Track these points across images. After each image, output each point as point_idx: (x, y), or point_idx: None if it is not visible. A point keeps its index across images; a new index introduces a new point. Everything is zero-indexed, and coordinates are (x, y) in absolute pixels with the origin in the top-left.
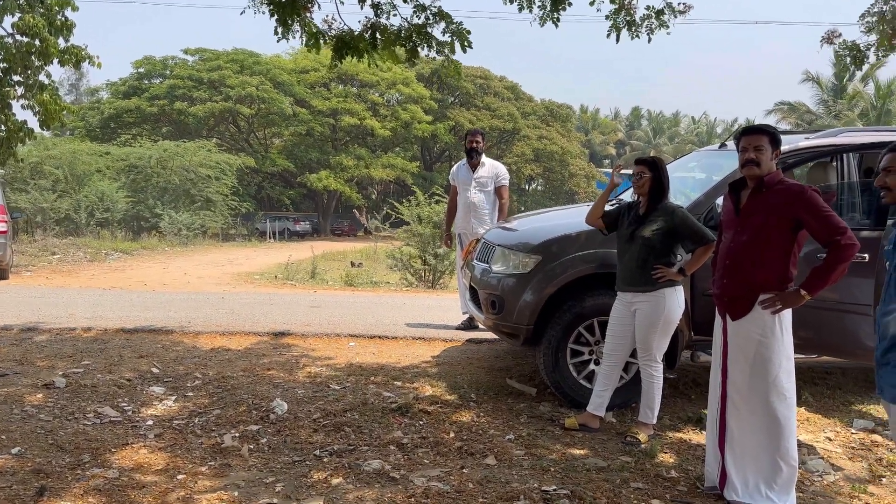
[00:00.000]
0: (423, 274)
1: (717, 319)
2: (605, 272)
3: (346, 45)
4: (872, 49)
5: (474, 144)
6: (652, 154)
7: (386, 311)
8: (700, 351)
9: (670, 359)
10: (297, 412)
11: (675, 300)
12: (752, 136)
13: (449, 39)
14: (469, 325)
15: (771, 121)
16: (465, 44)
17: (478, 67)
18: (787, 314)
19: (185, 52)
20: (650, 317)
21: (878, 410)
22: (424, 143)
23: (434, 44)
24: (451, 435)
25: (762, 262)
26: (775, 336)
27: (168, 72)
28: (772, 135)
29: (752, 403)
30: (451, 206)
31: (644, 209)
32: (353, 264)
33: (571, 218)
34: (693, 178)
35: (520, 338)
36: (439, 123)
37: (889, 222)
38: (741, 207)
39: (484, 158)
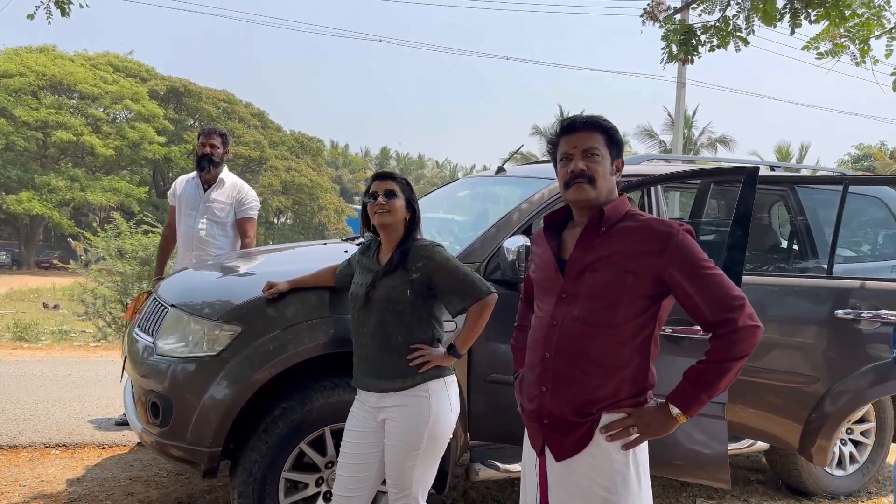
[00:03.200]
0: (125, 323)
1: (528, 453)
2: (346, 352)
3: None
4: (708, 34)
5: (209, 150)
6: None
7: (29, 390)
8: (480, 462)
9: (439, 481)
10: None
11: (446, 400)
12: (579, 135)
13: None
14: None
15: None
16: None
17: (221, 91)
18: (645, 449)
19: None
20: (408, 431)
21: None
22: (157, 166)
23: None
24: None
25: (607, 357)
26: (629, 488)
27: None
28: (608, 133)
29: None
30: (167, 239)
31: (387, 253)
32: (46, 306)
33: (304, 261)
34: (463, 214)
35: (200, 465)
36: (174, 146)
37: None
38: (567, 259)
39: (226, 174)
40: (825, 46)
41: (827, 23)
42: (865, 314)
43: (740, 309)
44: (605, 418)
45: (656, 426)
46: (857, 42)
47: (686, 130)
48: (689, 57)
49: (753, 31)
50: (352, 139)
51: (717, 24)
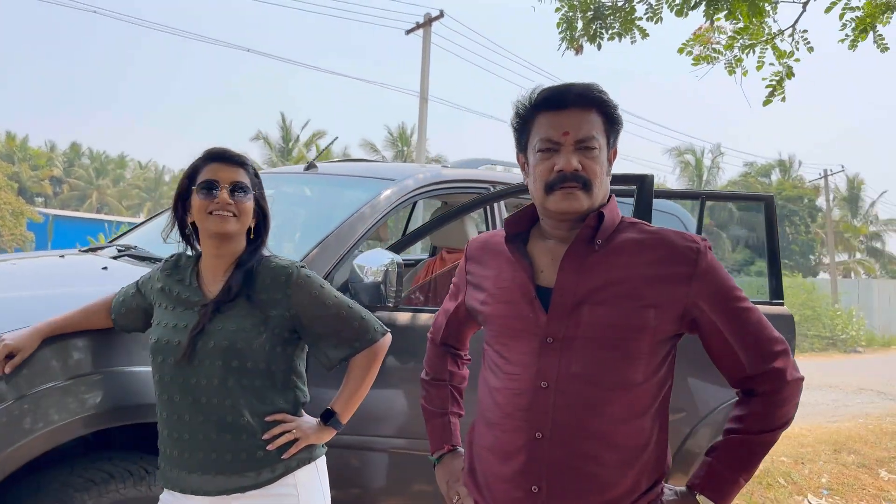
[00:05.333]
0: None
1: None
2: (138, 424)
3: None
4: (612, 17)
5: None
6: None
7: None
8: None
9: None
10: None
11: (319, 493)
12: (571, 115)
13: None
14: None
15: None
16: None
17: None
18: None
19: None
20: None
21: None
22: None
23: None
24: None
25: (625, 435)
26: None
27: None
28: (609, 112)
29: None
30: None
31: (216, 277)
32: None
33: (35, 286)
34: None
35: None
36: None
37: None
38: (555, 287)
39: None
40: (697, 50)
41: (733, 21)
42: None
43: (784, 356)
44: None
45: None
46: (734, 49)
47: (404, 147)
48: (596, 42)
49: (661, 18)
50: (33, 130)
51: (623, 5)
